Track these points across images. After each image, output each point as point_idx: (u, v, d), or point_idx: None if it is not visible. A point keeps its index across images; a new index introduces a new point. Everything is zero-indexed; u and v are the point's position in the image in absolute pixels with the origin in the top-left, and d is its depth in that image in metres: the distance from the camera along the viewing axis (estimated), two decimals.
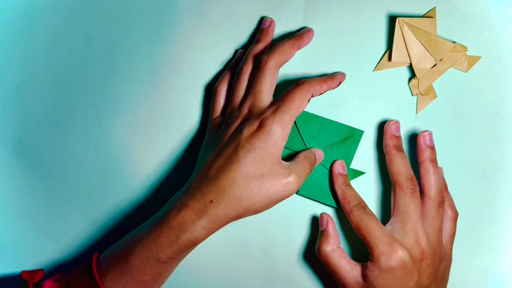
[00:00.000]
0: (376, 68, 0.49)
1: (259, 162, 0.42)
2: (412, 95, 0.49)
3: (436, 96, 0.49)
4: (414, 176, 0.46)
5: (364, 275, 0.45)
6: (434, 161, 0.46)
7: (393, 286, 0.43)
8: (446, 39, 0.48)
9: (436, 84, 0.49)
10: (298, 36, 0.47)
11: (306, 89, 0.44)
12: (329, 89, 0.46)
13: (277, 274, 0.50)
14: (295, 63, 0.49)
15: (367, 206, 0.46)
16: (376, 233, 0.44)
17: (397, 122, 0.48)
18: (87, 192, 0.51)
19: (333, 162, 0.48)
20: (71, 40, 0.51)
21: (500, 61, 0.49)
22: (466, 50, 0.48)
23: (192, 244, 0.42)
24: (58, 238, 0.51)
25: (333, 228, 0.47)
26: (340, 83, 0.47)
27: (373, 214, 0.46)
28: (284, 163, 0.44)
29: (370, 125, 0.49)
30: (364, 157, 0.49)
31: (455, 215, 0.48)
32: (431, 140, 0.47)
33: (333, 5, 0.49)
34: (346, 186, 0.48)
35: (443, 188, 0.47)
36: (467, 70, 0.49)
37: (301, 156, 0.46)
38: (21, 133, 0.51)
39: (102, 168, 0.51)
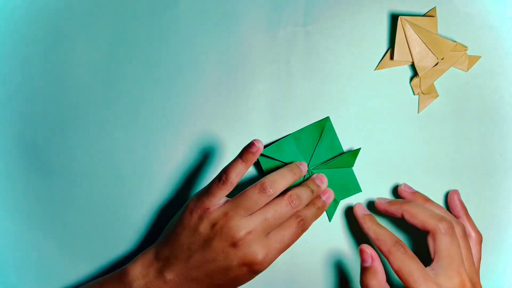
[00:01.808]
0: (378, 67, 0.49)
1: (236, 286, 0.45)
2: (414, 94, 0.49)
3: (437, 95, 0.49)
4: (447, 218, 0.44)
5: None
6: (430, 200, 0.48)
7: None
8: (447, 39, 0.48)
9: (437, 84, 0.49)
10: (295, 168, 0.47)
11: (303, 228, 0.45)
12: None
13: (277, 274, 0.50)
14: (295, 63, 0.49)
15: (406, 245, 0.44)
16: (419, 280, 0.41)
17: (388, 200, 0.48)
18: (88, 192, 0.51)
19: (354, 207, 0.48)
20: (71, 40, 0.51)
21: (500, 61, 0.49)
22: (467, 50, 0.48)
23: None
24: (58, 238, 0.51)
25: (379, 264, 0.44)
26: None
27: (415, 256, 0.43)
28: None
29: (370, 125, 0.49)
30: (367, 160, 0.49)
31: (479, 238, 0.47)
32: (411, 189, 0.49)
33: (334, 4, 0.49)
34: (376, 225, 0.46)
35: (463, 212, 0.47)
36: (467, 70, 0.49)
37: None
38: (21, 133, 0.51)
39: (102, 168, 0.50)
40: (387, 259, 0.43)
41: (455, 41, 0.48)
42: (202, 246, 0.43)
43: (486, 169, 0.49)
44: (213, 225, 0.43)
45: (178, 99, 0.50)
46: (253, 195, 0.43)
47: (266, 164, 0.49)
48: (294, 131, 0.49)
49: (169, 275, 0.43)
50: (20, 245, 0.51)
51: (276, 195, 0.44)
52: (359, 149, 0.49)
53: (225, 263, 0.43)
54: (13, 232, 0.51)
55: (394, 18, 0.49)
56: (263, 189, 0.43)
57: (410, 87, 0.49)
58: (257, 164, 0.50)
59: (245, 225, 0.43)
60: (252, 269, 0.43)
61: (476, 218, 0.49)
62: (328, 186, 0.48)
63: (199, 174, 0.50)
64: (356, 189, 0.49)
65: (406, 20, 0.47)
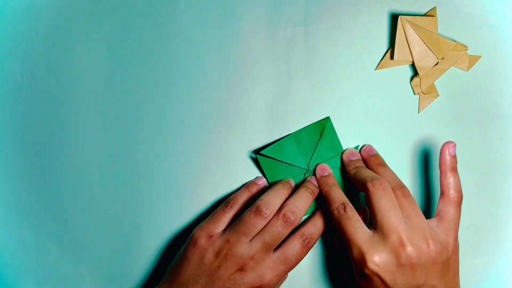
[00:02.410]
0: (378, 67, 0.49)
1: None
2: (414, 94, 0.49)
3: (438, 95, 0.49)
4: (379, 177, 0.44)
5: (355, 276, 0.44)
6: (381, 164, 0.48)
7: None
8: (447, 38, 0.48)
9: (437, 83, 0.49)
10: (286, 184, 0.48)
11: (308, 246, 0.46)
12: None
13: None
14: (295, 63, 0.49)
15: (349, 207, 0.44)
16: (352, 238, 0.42)
17: (350, 149, 0.49)
18: (88, 192, 0.50)
19: (316, 166, 0.49)
20: (72, 40, 0.51)
21: (501, 61, 0.49)
22: (467, 49, 0.48)
23: None
24: (58, 238, 0.51)
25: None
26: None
27: (354, 216, 0.43)
28: None
29: (371, 124, 0.49)
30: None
31: (458, 199, 0.44)
32: (370, 152, 0.49)
33: (334, 4, 0.49)
34: (330, 187, 0.46)
35: (401, 182, 0.45)
36: (468, 69, 0.49)
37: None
38: (21, 133, 0.51)
39: (102, 168, 0.50)
40: (333, 221, 0.45)
41: (455, 41, 0.48)
42: (208, 276, 0.44)
43: (486, 169, 0.49)
44: (217, 254, 0.45)
45: (178, 99, 0.50)
46: (250, 219, 0.45)
47: (266, 164, 0.49)
48: (294, 131, 0.49)
49: None
50: (20, 245, 0.51)
51: (272, 215, 0.45)
52: (357, 146, 0.49)
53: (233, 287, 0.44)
54: (13, 232, 0.51)
55: (394, 18, 0.49)
56: (258, 212, 0.45)
57: (410, 87, 0.49)
58: (257, 164, 0.50)
59: (247, 251, 0.44)
60: None
61: (477, 218, 0.49)
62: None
63: (199, 173, 0.50)
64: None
65: (406, 20, 0.47)
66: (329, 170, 0.48)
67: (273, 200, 0.46)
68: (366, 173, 0.45)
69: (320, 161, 0.49)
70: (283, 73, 0.50)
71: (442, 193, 0.44)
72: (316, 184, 0.48)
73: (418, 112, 0.49)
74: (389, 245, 0.41)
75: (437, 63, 0.48)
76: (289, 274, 0.47)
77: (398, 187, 0.44)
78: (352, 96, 0.49)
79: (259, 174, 0.50)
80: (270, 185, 0.49)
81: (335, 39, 0.49)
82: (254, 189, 0.49)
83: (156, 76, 0.50)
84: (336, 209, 0.44)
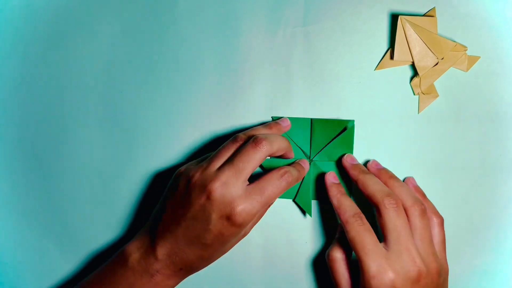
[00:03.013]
0: (378, 67, 0.49)
1: (226, 243, 0.43)
2: (414, 94, 0.49)
3: (437, 95, 0.49)
4: (394, 194, 0.44)
5: None
6: (394, 177, 0.46)
7: None
8: (447, 39, 0.48)
9: (436, 84, 0.49)
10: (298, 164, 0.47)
11: (288, 184, 0.44)
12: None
13: (277, 274, 0.50)
14: (295, 64, 0.49)
15: (364, 218, 0.44)
16: (370, 253, 0.42)
17: (350, 155, 0.48)
18: (88, 192, 0.50)
19: (326, 175, 0.48)
20: (71, 40, 0.51)
21: (500, 61, 0.49)
22: (466, 50, 0.48)
23: None
24: (58, 238, 0.50)
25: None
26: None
27: (371, 229, 0.43)
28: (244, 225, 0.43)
29: (371, 124, 0.49)
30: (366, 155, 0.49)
31: (440, 220, 0.46)
32: (378, 166, 0.48)
33: (333, 4, 0.49)
34: (341, 195, 0.46)
35: (419, 197, 0.46)
36: (467, 70, 0.49)
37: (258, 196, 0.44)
38: (21, 133, 0.51)
39: (102, 168, 0.50)
40: (344, 228, 0.44)
41: (454, 41, 0.48)
42: (181, 203, 0.43)
43: (485, 169, 0.49)
44: (189, 180, 0.43)
45: (178, 100, 0.50)
46: (226, 145, 0.44)
47: None
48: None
49: (161, 241, 0.43)
50: (20, 245, 0.51)
51: (245, 139, 0.44)
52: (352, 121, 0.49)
53: (204, 217, 0.42)
54: (13, 232, 0.51)
55: (394, 18, 0.49)
56: (234, 140, 0.44)
57: (410, 87, 0.49)
58: None
59: (215, 173, 0.42)
60: (232, 222, 0.41)
61: (476, 218, 0.49)
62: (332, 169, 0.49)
63: None
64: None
65: (406, 20, 0.47)
66: (337, 179, 0.48)
67: (251, 132, 0.45)
68: (379, 186, 0.44)
69: (326, 157, 0.49)
70: (283, 73, 0.50)
71: None
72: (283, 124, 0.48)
73: (418, 112, 0.49)
74: (404, 264, 0.41)
75: (436, 63, 0.48)
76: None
77: (416, 204, 0.44)
78: (352, 96, 0.49)
79: None
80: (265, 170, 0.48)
81: (335, 39, 0.49)
82: (275, 129, 0.47)
83: (155, 76, 0.50)
84: (353, 217, 0.43)
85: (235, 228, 0.42)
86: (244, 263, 0.50)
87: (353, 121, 0.49)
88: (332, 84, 0.49)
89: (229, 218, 0.41)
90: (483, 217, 0.49)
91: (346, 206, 0.45)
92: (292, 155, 0.48)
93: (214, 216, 0.41)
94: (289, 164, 0.46)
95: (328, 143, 0.49)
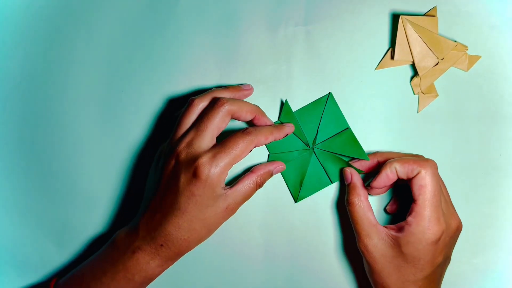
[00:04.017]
0: (378, 66, 0.49)
1: (200, 206, 0.43)
2: (414, 94, 0.49)
3: (437, 95, 0.49)
4: (425, 158, 0.46)
5: (395, 238, 0.44)
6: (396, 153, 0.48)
7: (423, 257, 0.43)
8: (447, 38, 0.48)
9: (437, 83, 0.49)
10: (277, 127, 0.47)
11: (250, 139, 0.44)
12: (274, 140, 0.46)
13: (277, 274, 0.50)
14: (296, 63, 0.49)
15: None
16: (428, 203, 0.43)
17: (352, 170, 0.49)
18: (88, 192, 0.50)
19: (344, 169, 0.48)
20: (71, 40, 0.51)
21: (500, 61, 0.49)
22: (467, 50, 0.48)
23: (148, 281, 0.45)
24: (58, 238, 0.50)
25: (359, 179, 0.47)
26: (286, 135, 0.47)
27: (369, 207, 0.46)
28: (225, 193, 0.44)
29: (371, 124, 0.49)
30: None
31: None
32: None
33: (334, 4, 0.49)
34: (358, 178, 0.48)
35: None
36: (467, 69, 0.49)
37: (246, 179, 0.45)
38: (21, 133, 0.50)
39: (102, 168, 0.50)
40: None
41: (455, 41, 0.48)
42: (156, 175, 0.45)
43: (486, 168, 0.49)
44: (160, 152, 0.46)
45: (178, 99, 0.50)
46: (182, 112, 0.46)
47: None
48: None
49: (142, 218, 0.44)
50: (20, 245, 0.51)
51: (199, 101, 0.45)
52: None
53: (174, 181, 0.43)
54: (13, 232, 0.51)
55: (395, 18, 0.49)
56: (188, 103, 0.45)
57: (410, 86, 0.49)
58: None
59: (180, 138, 0.44)
60: (198, 175, 0.42)
61: (476, 217, 0.49)
62: (335, 161, 0.49)
63: None
64: (364, 157, 0.48)
65: (407, 19, 0.47)
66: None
67: (208, 94, 0.46)
68: (410, 155, 0.47)
69: (326, 137, 0.49)
70: (283, 73, 0.49)
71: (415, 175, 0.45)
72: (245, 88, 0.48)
73: (418, 112, 0.49)
74: (449, 220, 0.45)
75: (437, 63, 0.48)
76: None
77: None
78: (352, 95, 0.49)
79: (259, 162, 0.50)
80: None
81: (336, 39, 0.49)
82: (234, 89, 0.47)
83: (156, 76, 0.50)
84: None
85: (202, 183, 0.42)
86: (244, 263, 0.50)
87: (330, 93, 0.49)
88: (332, 83, 0.49)
89: (194, 172, 0.42)
90: (483, 216, 0.49)
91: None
92: (268, 121, 0.47)
93: (182, 175, 0.42)
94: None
95: (319, 125, 0.49)
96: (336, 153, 0.49)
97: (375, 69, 0.49)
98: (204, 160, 0.42)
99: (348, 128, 0.49)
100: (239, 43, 0.50)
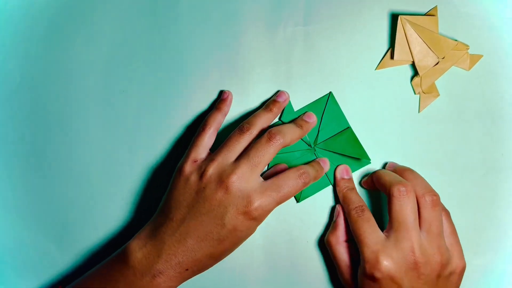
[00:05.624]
0: (378, 66, 0.49)
1: (237, 241, 0.43)
2: (415, 93, 0.49)
3: (438, 95, 0.49)
4: (406, 182, 0.44)
5: (359, 277, 0.44)
6: (409, 169, 0.47)
7: None
8: (448, 38, 0.48)
9: (438, 83, 0.49)
10: (303, 122, 0.47)
11: (303, 183, 0.44)
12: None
13: (277, 274, 0.50)
14: (295, 63, 0.49)
15: (367, 210, 0.45)
16: (366, 240, 0.43)
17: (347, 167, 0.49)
18: (88, 192, 0.51)
19: (337, 167, 0.49)
20: (71, 40, 0.51)
21: (502, 60, 0.49)
22: (468, 49, 0.48)
23: None
24: (59, 238, 0.51)
25: (342, 222, 0.47)
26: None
27: (371, 219, 0.44)
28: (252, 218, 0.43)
29: (371, 124, 0.49)
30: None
31: (447, 213, 0.46)
32: (396, 165, 0.49)
33: (334, 4, 0.49)
34: (348, 190, 0.48)
35: (430, 187, 0.45)
36: (469, 69, 0.49)
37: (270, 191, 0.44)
38: (21, 133, 0.51)
39: (103, 168, 0.50)
40: (348, 220, 0.46)
41: (456, 40, 0.48)
42: (194, 199, 0.42)
43: (486, 169, 0.49)
44: (202, 174, 0.43)
45: (178, 99, 0.50)
46: (234, 136, 0.44)
47: None
48: None
49: (168, 239, 0.42)
50: (20, 245, 0.51)
51: (256, 132, 0.45)
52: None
53: (220, 212, 0.41)
54: (13, 232, 0.51)
55: (394, 18, 0.49)
56: (241, 129, 0.44)
57: (410, 86, 0.49)
58: None
59: (231, 167, 0.42)
60: (248, 216, 0.42)
61: (477, 218, 0.49)
62: (336, 161, 0.49)
63: None
64: (365, 158, 0.49)
65: (406, 19, 0.47)
66: (350, 174, 0.49)
67: (255, 120, 0.45)
68: (393, 176, 0.45)
69: (326, 137, 0.49)
70: (283, 73, 0.49)
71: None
72: (307, 120, 0.47)
73: (419, 112, 0.49)
74: (400, 251, 0.42)
75: (437, 63, 0.48)
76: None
77: (428, 193, 0.44)
78: (353, 96, 0.49)
79: None
80: (271, 167, 0.49)
81: (335, 39, 0.49)
82: (275, 108, 0.47)
83: (156, 76, 0.50)
84: (354, 209, 0.45)
85: (250, 223, 0.42)
86: (244, 263, 0.50)
87: (330, 93, 0.49)
88: (332, 83, 0.49)
89: (245, 212, 0.41)
90: (484, 217, 0.49)
91: (350, 199, 0.46)
92: (311, 127, 0.48)
93: (231, 210, 0.41)
94: (308, 163, 0.47)
95: (320, 125, 0.49)
96: (337, 153, 0.49)
97: (375, 69, 0.49)
98: (257, 204, 0.41)
99: (349, 128, 0.49)
100: (238, 44, 0.50)
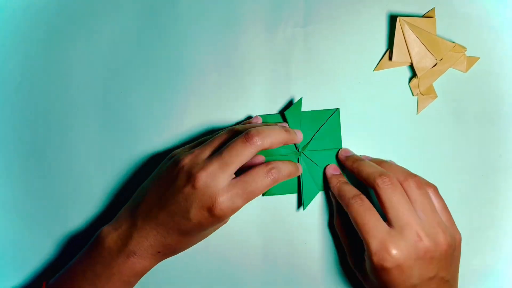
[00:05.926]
0: (377, 68, 0.49)
1: (205, 233, 0.45)
2: (413, 95, 0.49)
3: (436, 96, 0.49)
4: (386, 172, 0.44)
5: (364, 268, 0.44)
6: (385, 161, 0.47)
7: (393, 283, 0.42)
8: (446, 39, 0.48)
9: (435, 85, 0.49)
10: (291, 132, 0.46)
11: (273, 179, 0.43)
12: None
13: (277, 274, 0.50)
14: (295, 64, 0.49)
15: (365, 199, 0.44)
16: (371, 230, 0.42)
17: (345, 149, 0.48)
18: (88, 192, 0.50)
19: (326, 167, 0.48)
20: (71, 40, 0.51)
21: (499, 62, 0.49)
22: (465, 51, 0.49)
23: (142, 275, 0.45)
24: (58, 238, 0.50)
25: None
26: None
27: (372, 208, 0.43)
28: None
29: (370, 125, 0.49)
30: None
31: (434, 188, 0.45)
32: (369, 158, 0.49)
33: (333, 5, 0.50)
34: (342, 183, 0.46)
35: (409, 171, 0.45)
36: (466, 70, 0.49)
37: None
38: (20, 133, 0.51)
39: (102, 168, 0.50)
40: (347, 212, 0.44)
41: (454, 42, 0.48)
42: (166, 186, 0.43)
43: (485, 169, 0.49)
44: (177, 163, 0.43)
45: (178, 100, 0.50)
46: (220, 134, 0.44)
47: None
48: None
49: (140, 222, 0.43)
50: (20, 245, 0.51)
51: (239, 131, 0.44)
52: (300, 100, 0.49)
53: (186, 206, 0.41)
54: (13, 232, 0.51)
55: (393, 19, 0.49)
56: (229, 130, 0.44)
57: (409, 87, 0.49)
58: None
59: (202, 163, 0.42)
60: (212, 214, 0.41)
61: (476, 218, 0.49)
62: (319, 172, 0.49)
63: None
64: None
65: (405, 21, 0.47)
66: (339, 171, 0.48)
67: (248, 126, 0.45)
68: (373, 168, 0.45)
69: (316, 148, 0.49)
70: (283, 74, 0.50)
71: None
72: (298, 137, 0.47)
73: (417, 113, 0.49)
74: (407, 239, 0.41)
75: (435, 64, 0.48)
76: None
77: (409, 177, 0.44)
78: (351, 97, 0.49)
79: None
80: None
81: (334, 40, 0.50)
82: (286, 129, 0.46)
83: (155, 77, 0.50)
84: (353, 198, 0.44)
85: (214, 219, 0.42)
86: (244, 263, 0.50)
87: (338, 109, 0.49)
88: (331, 84, 0.49)
89: (209, 209, 0.41)
90: (483, 217, 0.49)
91: (346, 191, 0.45)
92: (296, 141, 0.47)
93: (195, 206, 0.41)
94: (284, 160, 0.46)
95: (315, 133, 0.49)
96: (318, 165, 0.48)
97: (373, 70, 0.49)
98: (220, 202, 0.41)
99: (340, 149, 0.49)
100: (238, 44, 0.50)
